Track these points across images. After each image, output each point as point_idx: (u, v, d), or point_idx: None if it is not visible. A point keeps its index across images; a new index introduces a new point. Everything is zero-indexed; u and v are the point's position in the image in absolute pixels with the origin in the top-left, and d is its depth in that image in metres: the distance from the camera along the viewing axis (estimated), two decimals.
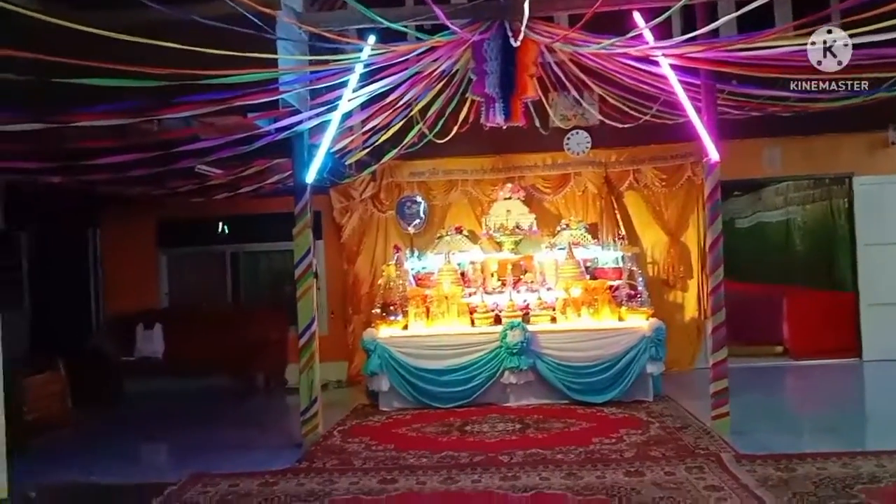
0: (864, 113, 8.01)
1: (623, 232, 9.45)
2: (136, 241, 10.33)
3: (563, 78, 7.07)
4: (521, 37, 5.45)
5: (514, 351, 7.64)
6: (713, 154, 6.28)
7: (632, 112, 7.68)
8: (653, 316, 8.01)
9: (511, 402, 7.83)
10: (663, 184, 9.67)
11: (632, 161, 9.76)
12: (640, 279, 8.25)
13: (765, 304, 10.96)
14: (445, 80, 7.06)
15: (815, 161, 9.91)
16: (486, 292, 8.43)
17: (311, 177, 6.51)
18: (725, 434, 6.25)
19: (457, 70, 6.99)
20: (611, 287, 8.20)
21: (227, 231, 10.69)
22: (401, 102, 6.97)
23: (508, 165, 9.88)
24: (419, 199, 9.85)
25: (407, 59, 6.15)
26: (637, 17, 5.90)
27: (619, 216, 9.65)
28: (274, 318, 9.67)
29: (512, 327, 7.70)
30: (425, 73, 6.58)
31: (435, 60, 6.39)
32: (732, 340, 9.93)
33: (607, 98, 7.42)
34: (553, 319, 8.08)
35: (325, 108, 6.27)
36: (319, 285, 9.50)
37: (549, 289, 8.38)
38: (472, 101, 7.33)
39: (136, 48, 4.34)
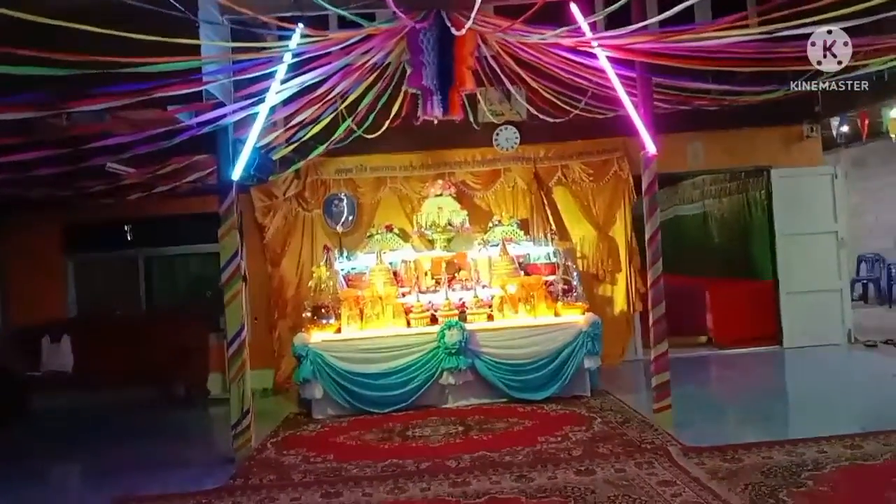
0: (781, 108, 8.33)
1: (553, 227, 9.41)
2: (40, 247, 9.57)
3: (499, 70, 6.90)
4: (467, 26, 5.25)
5: (453, 351, 7.45)
6: (650, 147, 6.27)
7: (564, 106, 7.61)
8: (588, 310, 7.99)
9: (450, 403, 7.65)
10: (591, 179, 9.68)
11: (560, 156, 9.73)
12: (575, 274, 8.21)
13: (688, 296, 11.18)
14: (377, 72, 6.79)
15: (735, 155, 10.16)
16: (421, 291, 8.20)
17: (236, 174, 6.11)
18: (669, 427, 6.25)
19: (388, 63, 6.76)
20: (546, 283, 8.13)
21: (136, 235, 10.06)
22: (330, 96, 6.64)
23: (438, 161, 9.69)
24: (347, 196, 9.51)
25: (338, 49, 5.86)
26: (574, 8, 5.81)
27: (548, 211, 9.60)
28: (193, 326, 9.15)
29: (449, 327, 7.51)
30: (357, 65, 6.29)
31: (366, 52, 6.13)
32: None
33: (541, 92, 7.31)
34: (490, 317, 7.94)
35: (251, 100, 5.89)
36: None
37: (484, 286, 8.23)
38: (405, 95, 7.11)
39: (45, 32, 3.89)
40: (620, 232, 9.75)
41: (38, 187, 7.02)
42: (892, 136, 10.21)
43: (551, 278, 8.24)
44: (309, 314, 7.92)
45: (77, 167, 5.86)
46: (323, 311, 7.87)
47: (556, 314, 7.93)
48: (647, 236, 6.40)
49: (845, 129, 11.05)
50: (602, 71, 6.30)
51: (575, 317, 7.81)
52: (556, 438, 6.18)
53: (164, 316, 9.62)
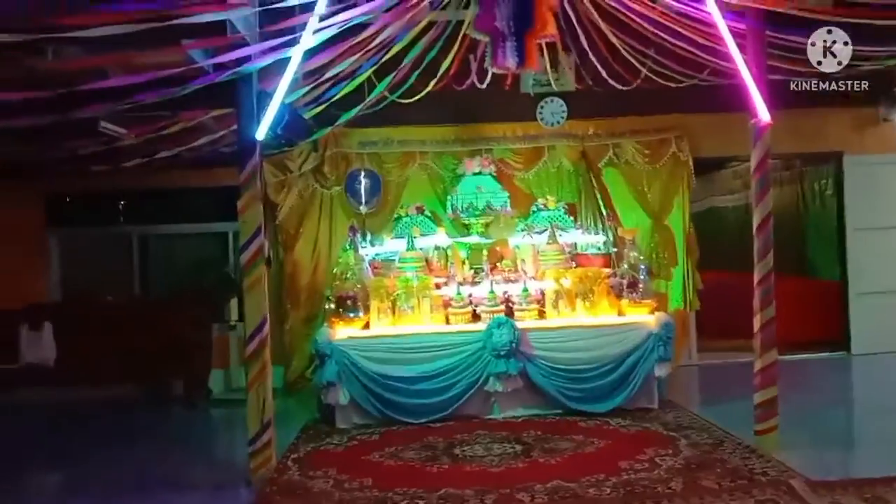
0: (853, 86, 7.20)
1: (605, 213, 8.33)
2: (19, 219, 8.44)
3: (575, 23, 5.78)
4: None
5: (502, 353, 6.36)
6: (763, 114, 5.20)
7: (639, 67, 6.53)
8: (657, 309, 6.93)
9: (496, 413, 6.57)
10: (646, 160, 8.59)
11: (610, 134, 8.64)
12: (642, 267, 7.11)
13: (737, 295, 10.12)
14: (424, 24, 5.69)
15: (801, 139, 9.05)
16: (459, 283, 7.10)
17: (261, 133, 4.97)
18: (776, 452, 5.19)
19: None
20: (605, 276, 7.05)
21: (130, 209, 8.99)
22: (374, 44, 5.51)
23: (474, 136, 8.58)
24: (371, 173, 8.36)
25: None
26: None
27: (599, 196, 8.52)
28: (195, 315, 8.04)
29: (499, 324, 6.43)
30: (410, 4, 5.17)
31: None
32: (709, 335, 9.26)
33: (622, 51, 6.19)
34: (541, 314, 6.86)
35: (283, 38, 4.75)
36: None
37: (532, 278, 7.15)
38: (458, 49, 5.99)
39: None
40: (678, 221, 8.68)
41: (16, 144, 5.84)
42: None
43: (608, 271, 7.19)
44: (333, 306, 6.81)
45: (64, 117, 4.69)
46: (349, 302, 6.76)
47: (620, 313, 6.86)
48: (755, 223, 5.33)
49: None
50: (701, 23, 5.25)
51: (643, 316, 6.74)
52: (641, 465, 5.07)
53: (161, 303, 8.56)
